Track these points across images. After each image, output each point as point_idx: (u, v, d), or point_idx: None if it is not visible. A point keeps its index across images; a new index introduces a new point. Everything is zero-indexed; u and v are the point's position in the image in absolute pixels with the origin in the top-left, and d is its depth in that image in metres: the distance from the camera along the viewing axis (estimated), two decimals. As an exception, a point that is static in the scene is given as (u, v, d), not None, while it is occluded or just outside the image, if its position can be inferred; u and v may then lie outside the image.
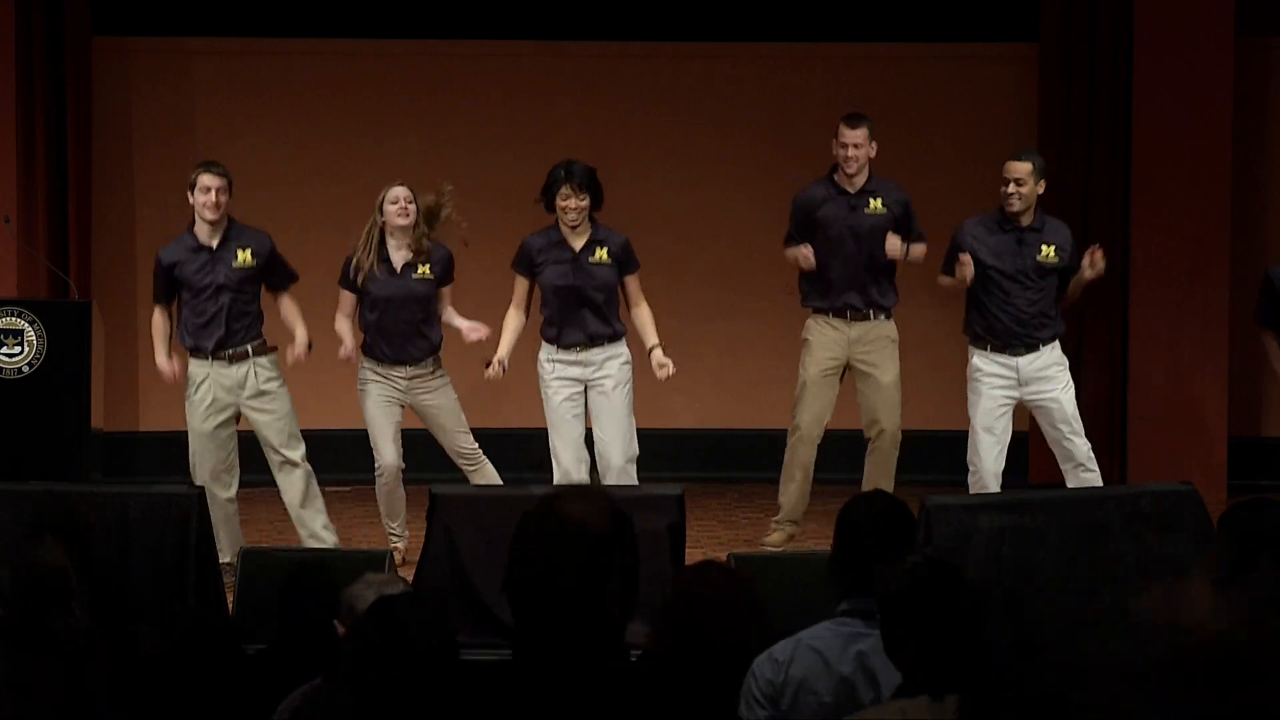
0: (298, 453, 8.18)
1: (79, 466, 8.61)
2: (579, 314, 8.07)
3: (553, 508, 3.03)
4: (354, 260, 8.30)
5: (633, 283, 8.20)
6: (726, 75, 11.02)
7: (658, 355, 8.10)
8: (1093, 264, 8.25)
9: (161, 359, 8.23)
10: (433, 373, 8.34)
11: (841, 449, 8.94)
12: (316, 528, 8.17)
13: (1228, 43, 10.33)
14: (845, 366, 8.48)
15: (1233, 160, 10.41)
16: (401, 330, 8.27)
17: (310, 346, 8.21)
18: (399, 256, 8.28)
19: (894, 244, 8.33)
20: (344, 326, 8.30)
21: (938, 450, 9.75)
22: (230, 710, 3.76)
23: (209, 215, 8.08)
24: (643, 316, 8.23)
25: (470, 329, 8.32)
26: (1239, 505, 4.36)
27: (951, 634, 3.40)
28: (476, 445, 8.42)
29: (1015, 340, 8.24)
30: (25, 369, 8.68)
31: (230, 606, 6.78)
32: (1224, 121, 10.36)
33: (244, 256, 8.13)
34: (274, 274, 8.26)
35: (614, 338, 8.15)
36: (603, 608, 2.98)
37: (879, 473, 8.45)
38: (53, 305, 9.15)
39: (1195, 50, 10.31)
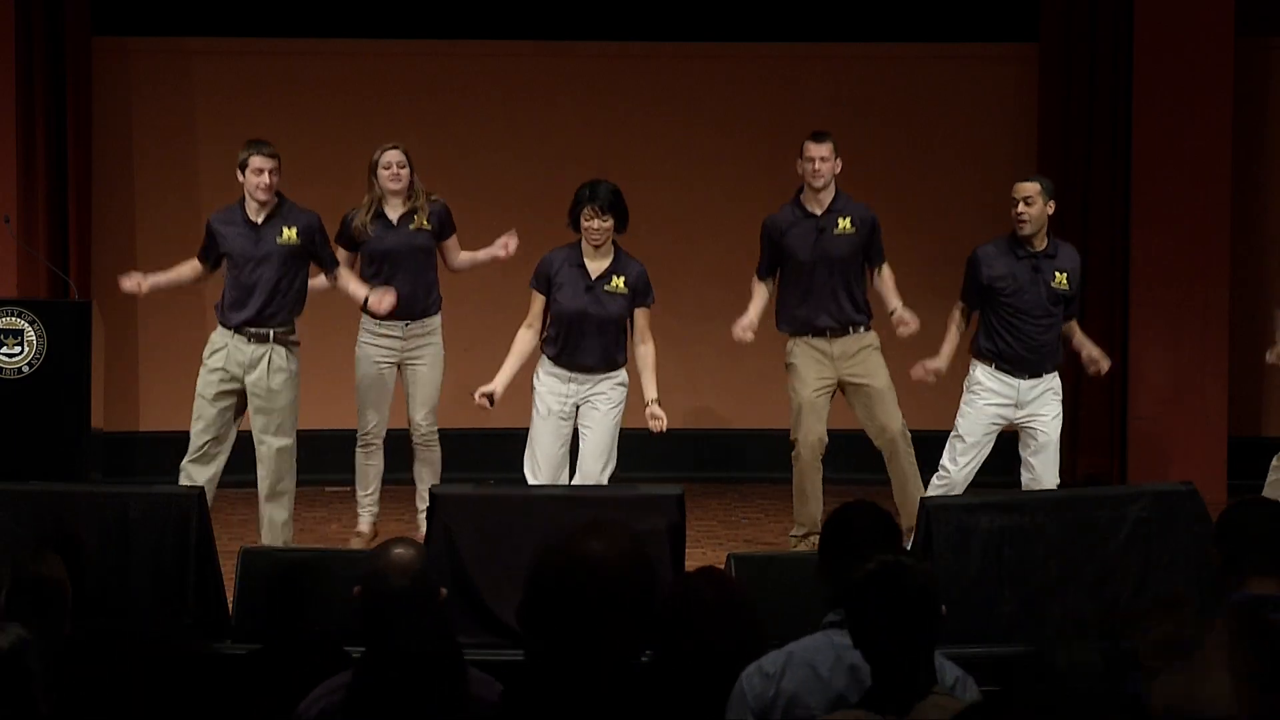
0: (281, 441, 8.14)
1: (79, 466, 8.61)
2: (584, 341, 8.03)
3: (573, 543, 3.03)
4: (351, 218, 8.37)
5: (642, 316, 8.09)
6: (726, 75, 11.02)
7: (654, 409, 8.03)
8: (1094, 364, 8.37)
9: (144, 275, 8.23)
10: (430, 334, 8.41)
11: (841, 449, 8.94)
12: (276, 521, 8.16)
13: (1228, 43, 10.34)
14: (837, 384, 8.48)
15: (1233, 160, 10.41)
16: (401, 285, 8.31)
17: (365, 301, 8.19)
18: (394, 211, 8.36)
19: (908, 323, 8.40)
20: (348, 278, 8.29)
21: (938, 450, 9.75)
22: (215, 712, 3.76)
23: (261, 197, 8.09)
24: (646, 358, 8.09)
25: (499, 245, 8.36)
26: (1238, 504, 4.37)
27: (907, 632, 3.51)
28: (436, 428, 8.47)
29: (1022, 366, 8.23)
30: (25, 369, 8.68)
31: (230, 606, 6.78)
32: (1224, 121, 10.37)
33: (289, 234, 8.12)
34: (320, 254, 8.22)
35: (613, 368, 8.12)
36: (614, 643, 2.98)
37: (905, 473, 8.45)
38: (53, 305, 9.15)
39: (1195, 50, 10.32)
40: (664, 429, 8.01)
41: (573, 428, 8.10)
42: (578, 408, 8.09)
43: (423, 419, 8.49)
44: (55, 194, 10.50)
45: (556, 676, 2.93)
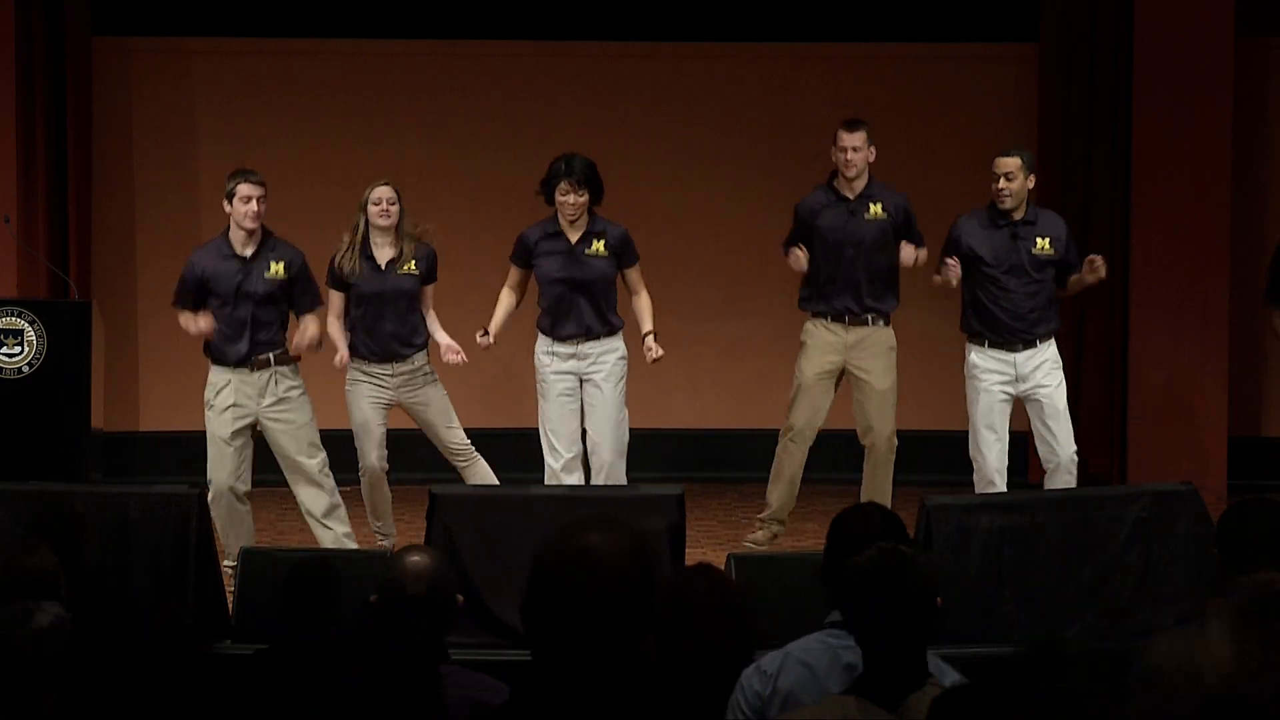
0: (315, 461, 8.11)
1: (79, 466, 8.61)
2: (574, 306, 8.10)
3: (572, 538, 3.02)
4: (337, 259, 8.30)
5: (633, 274, 8.24)
6: (726, 75, 11.02)
7: (649, 340, 8.14)
8: (1093, 269, 8.28)
9: (202, 320, 8.02)
10: (420, 369, 8.33)
11: (840, 449, 8.94)
12: (339, 535, 8.14)
13: (1228, 43, 10.33)
14: (841, 371, 8.49)
15: (1233, 160, 10.41)
16: (387, 327, 8.26)
17: (319, 344, 8.16)
18: (383, 254, 8.28)
19: (908, 253, 8.34)
20: (336, 330, 8.28)
21: (938, 450, 9.75)
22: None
23: (249, 225, 8.01)
24: (641, 304, 8.26)
25: (448, 348, 8.30)
26: (1238, 504, 4.37)
27: (905, 621, 3.49)
28: (469, 442, 8.40)
29: (1013, 336, 8.26)
30: (25, 369, 8.68)
31: (230, 606, 6.78)
32: (1224, 121, 10.36)
33: (276, 269, 8.06)
34: (301, 293, 8.14)
35: (610, 332, 8.16)
36: (619, 639, 2.97)
37: (877, 479, 8.45)
38: (53, 305, 9.15)
39: (1195, 50, 10.31)
40: (656, 359, 8.07)
41: (580, 400, 8.12)
42: (581, 383, 8.11)
43: (452, 440, 8.36)
44: (55, 194, 10.50)
45: (563, 675, 2.93)
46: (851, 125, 8.42)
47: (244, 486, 8.11)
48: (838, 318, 8.45)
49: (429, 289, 8.38)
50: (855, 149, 8.35)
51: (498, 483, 8.39)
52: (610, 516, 3.07)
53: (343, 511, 8.20)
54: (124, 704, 3.01)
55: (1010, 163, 8.29)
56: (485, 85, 10.96)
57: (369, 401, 8.29)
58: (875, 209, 8.42)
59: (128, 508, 6.79)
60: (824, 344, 8.45)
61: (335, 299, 8.33)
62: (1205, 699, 1.05)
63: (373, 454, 8.32)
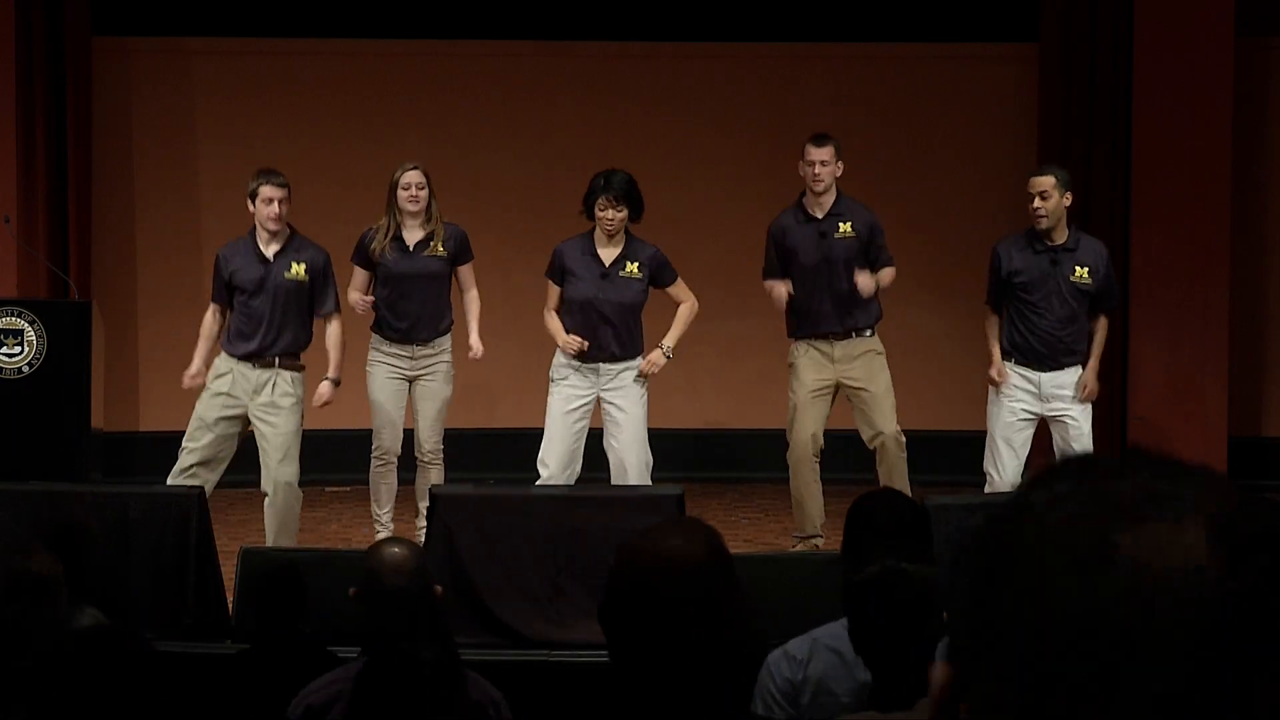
0: (287, 471, 7.97)
1: (79, 466, 8.61)
2: (601, 330, 8.05)
3: (649, 541, 3.03)
4: (370, 239, 8.32)
5: (675, 288, 8.26)
6: (726, 75, 11.03)
7: (655, 354, 8.08)
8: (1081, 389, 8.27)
9: (195, 363, 8.05)
10: (440, 354, 8.35)
11: (841, 449, 8.93)
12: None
13: (1228, 43, 10.34)
14: (836, 387, 8.43)
15: (1233, 160, 10.41)
16: (412, 308, 8.28)
17: (337, 384, 8.16)
18: (412, 235, 8.31)
19: (865, 283, 8.24)
20: (355, 298, 8.29)
21: (938, 450, 9.75)
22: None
23: (272, 226, 7.98)
24: (680, 312, 8.27)
25: (474, 345, 8.30)
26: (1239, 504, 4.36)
27: (905, 638, 3.48)
28: (441, 448, 8.42)
29: (1040, 360, 8.18)
30: (25, 369, 8.68)
31: (230, 606, 6.79)
32: (1224, 121, 10.37)
33: (297, 269, 8.04)
34: (321, 293, 8.12)
35: (632, 354, 8.13)
36: (703, 637, 2.98)
37: (893, 479, 8.40)
38: (53, 305, 9.15)
39: (1195, 50, 10.31)
40: (648, 372, 8.02)
41: (588, 423, 8.09)
42: (598, 401, 8.09)
43: (428, 437, 8.39)
44: (55, 194, 10.50)
45: (643, 674, 2.93)
46: (819, 140, 8.33)
47: (209, 475, 7.90)
48: (821, 336, 8.39)
49: (463, 269, 8.40)
50: (823, 163, 8.26)
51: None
52: (689, 519, 3.09)
53: (290, 530, 8.05)
54: (122, 704, 3.01)
55: (1044, 181, 8.15)
56: (485, 85, 10.97)
57: (387, 381, 8.34)
58: (845, 228, 8.34)
59: (128, 508, 6.80)
60: (812, 364, 8.37)
61: (359, 276, 8.36)
62: (1170, 596, 1.02)
63: (388, 436, 8.35)
